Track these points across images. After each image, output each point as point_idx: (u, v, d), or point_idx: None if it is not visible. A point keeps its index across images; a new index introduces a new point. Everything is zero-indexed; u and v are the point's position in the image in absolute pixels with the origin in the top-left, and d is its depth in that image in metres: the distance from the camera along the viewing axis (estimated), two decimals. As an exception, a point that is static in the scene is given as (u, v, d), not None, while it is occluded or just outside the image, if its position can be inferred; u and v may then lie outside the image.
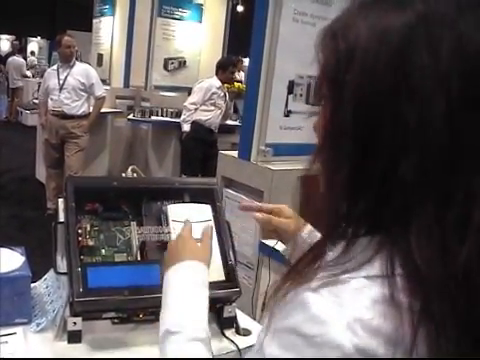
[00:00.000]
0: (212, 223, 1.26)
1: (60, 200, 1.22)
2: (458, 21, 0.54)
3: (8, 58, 12.25)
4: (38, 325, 1.20)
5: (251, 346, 1.16)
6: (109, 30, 6.65)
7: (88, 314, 1.16)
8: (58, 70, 4.83)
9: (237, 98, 5.81)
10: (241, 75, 8.35)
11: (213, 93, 5.02)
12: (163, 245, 1.24)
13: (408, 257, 0.54)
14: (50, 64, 9.93)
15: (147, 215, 1.29)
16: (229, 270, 1.24)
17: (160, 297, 1.16)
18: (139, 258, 1.23)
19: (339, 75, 0.58)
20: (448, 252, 0.53)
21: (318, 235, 1.10)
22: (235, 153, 2.52)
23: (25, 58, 13.76)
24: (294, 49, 2.38)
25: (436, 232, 0.53)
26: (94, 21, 7.01)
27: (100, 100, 4.97)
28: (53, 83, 4.80)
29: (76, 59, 5.04)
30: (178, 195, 1.32)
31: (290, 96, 2.46)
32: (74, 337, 1.14)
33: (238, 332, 1.26)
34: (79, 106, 4.82)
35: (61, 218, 1.20)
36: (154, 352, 1.17)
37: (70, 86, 4.77)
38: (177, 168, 5.50)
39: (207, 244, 1.08)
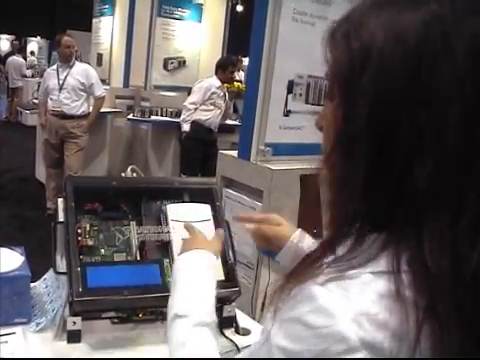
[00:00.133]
0: (212, 222, 1.26)
1: (60, 200, 1.22)
2: (472, 21, 0.55)
3: (8, 58, 12.25)
4: (38, 325, 1.20)
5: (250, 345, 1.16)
6: (109, 30, 6.65)
7: (87, 314, 1.16)
8: (58, 70, 4.83)
9: (237, 98, 5.80)
10: (241, 75, 8.34)
11: (213, 93, 5.02)
12: (162, 245, 1.24)
13: (418, 257, 0.54)
14: (50, 64, 9.92)
15: (146, 215, 1.29)
16: (229, 269, 1.24)
17: (159, 296, 1.16)
18: (138, 258, 1.23)
19: (353, 75, 0.57)
20: (459, 257, 0.53)
21: (310, 238, 1.12)
22: (235, 153, 2.52)
23: (25, 58, 13.75)
24: (294, 49, 2.38)
25: (448, 237, 0.54)
26: (94, 21, 7.01)
27: (100, 100, 4.97)
28: (53, 83, 4.80)
29: (76, 59, 5.04)
30: (177, 195, 1.32)
31: (290, 96, 2.46)
32: (74, 337, 1.14)
33: (237, 331, 1.26)
34: (79, 106, 4.82)
35: (60, 218, 1.20)
36: (154, 351, 1.17)
37: (70, 86, 4.77)
38: (177, 168, 5.50)
39: (218, 240, 1.12)
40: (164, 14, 6.46)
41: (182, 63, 6.69)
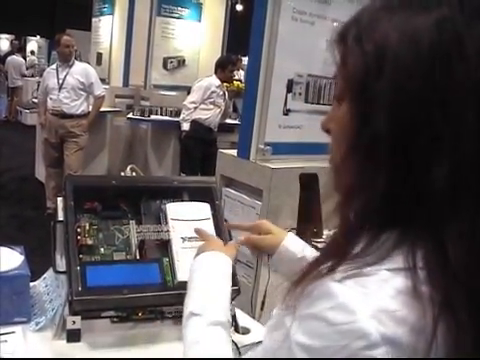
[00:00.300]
0: (211, 221, 1.26)
1: (59, 199, 1.22)
2: None
3: (7, 57, 12.24)
4: (37, 324, 1.20)
5: (250, 344, 1.16)
6: (108, 29, 6.65)
7: (87, 313, 1.16)
8: (57, 69, 4.83)
9: (236, 97, 5.81)
10: (240, 74, 8.34)
11: (212, 92, 5.02)
12: (162, 244, 1.24)
13: (437, 254, 0.55)
14: (49, 63, 9.92)
15: (146, 214, 1.29)
16: (228, 269, 1.24)
17: (159, 295, 1.16)
18: (138, 257, 1.23)
19: (368, 78, 0.58)
20: (478, 253, 0.55)
21: (299, 241, 1.14)
22: (234, 152, 2.52)
23: (24, 57, 13.75)
24: (293, 48, 2.38)
25: (469, 235, 0.55)
26: (93, 20, 7.01)
27: (99, 99, 4.97)
28: (52, 82, 4.80)
29: (75, 58, 5.03)
30: (177, 194, 1.32)
31: (289, 95, 2.46)
32: (73, 336, 1.14)
33: (237, 330, 1.26)
34: (78, 105, 4.82)
35: (60, 217, 1.20)
36: (153, 351, 1.17)
37: (69, 85, 4.77)
38: (176, 167, 5.50)
39: (233, 246, 1.14)
40: (164, 13, 6.46)
41: (182, 62, 6.69)
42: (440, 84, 0.55)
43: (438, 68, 0.55)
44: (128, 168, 1.41)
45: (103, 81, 5.58)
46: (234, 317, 1.27)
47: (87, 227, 1.21)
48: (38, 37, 17.49)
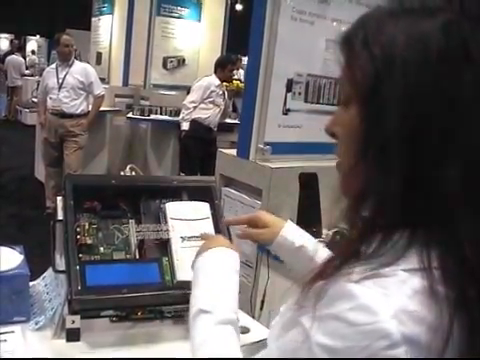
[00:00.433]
0: (210, 221, 1.26)
1: (59, 198, 1.22)
2: None
3: (7, 57, 12.24)
4: (37, 323, 1.20)
5: (250, 344, 1.16)
6: (108, 29, 6.65)
7: (86, 312, 1.16)
8: (57, 69, 4.83)
9: (236, 96, 5.81)
10: (240, 73, 8.34)
11: (212, 91, 5.02)
12: (161, 243, 1.24)
13: (453, 253, 0.57)
14: (49, 63, 9.92)
15: (145, 213, 1.29)
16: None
17: (158, 295, 1.16)
18: (137, 256, 1.23)
19: (378, 82, 0.59)
20: None
21: (298, 230, 1.14)
22: (234, 151, 2.52)
23: (24, 57, 13.74)
24: (293, 47, 2.38)
25: None
26: (93, 20, 7.01)
27: (99, 99, 4.97)
28: (52, 82, 4.80)
29: (75, 58, 5.04)
30: (176, 193, 1.32)
31: (289, 94, 2.46)
32: (72, 335, 1.13)
33: (237, 330, 1.26)
34: (78, 105, 4.82)
35: (60, 216, 1.20)
36: (153, 350, 1.17)
37: (69, 85, 4.77)
38: (176, 166, 5.50)
39: (236, 246, 1.12)
40: (163, 13, 6.47)
41: (181, 62, 6.69)
42: (448, 86, 0.56)
43: (446, 70, 0.56)
44: (128, 167, 1.41)
45: (103, 81, 5.59)
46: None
47: (87, 226, 1.21)
48: (38, 36, 17.50)
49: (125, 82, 6.43)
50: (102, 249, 1.21)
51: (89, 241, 1.20)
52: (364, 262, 0.59)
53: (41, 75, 5.73)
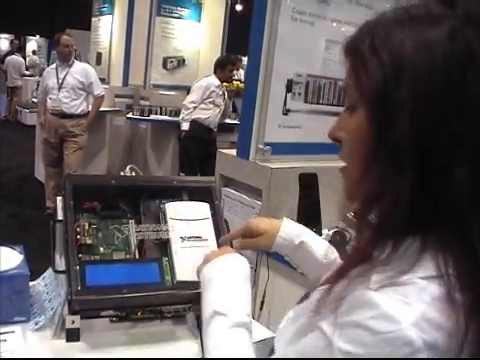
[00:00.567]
0: (210, 221, 1.26)
1: (59, 198, 1.22)
2: None
3: (7, 57, 12.24)
4: (37, 323, 1.20)
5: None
6: (108, 29, 6.65)
7: (86, 312, 1.16)
8: (57, 69, 4.83)
9: (236, 97, 5.80)
10: (240, 74, 8.34)
11: (212, 91, 5.02)
12: (161, 243, 1.24)
13: (467, 257, 0.57)
14: (49, 63, 9.92)
15: (145, 213, 1.29)
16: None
17: (158, 295, 1.16)
18: (137, 256, 1.23)
19: (387, 88, 0.60)
20: None
21: (295, 228, 1.13)
22: (234, 152, 2.52)
23: (24, 57, 13.75)
24: (293, 48, 2.38)
25: None
26: (93, 20, 7.01)
27: (99, 99, 4.97)
28: (52, 82, 4.80)
29: (75, 58, 5.04)
30: (176, 193, 1.32)
31: (289, 95, 2.46)
32: (72, 335, 1.13)
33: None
34: (78, 105, 4.82)
35: (59, 216, 1.20)
36: (153, 350, 1.17)
37: (69, 85, 4.77)
38: (176, 167, 5.50)
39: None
40: (163, 13, 6.47)
41: (181, 62, 6.69)
42: (456, 91, 0.58)
43: (453, 76, 0.58)
44: (127, 168, 1.41)
45: (103, 81, 5.59)
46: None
47: (86, 226, 1.21)
48: (38, 37, 17.49)
49: (125, 82, 6.43)
50: (102, 249, 1.21)
51: (89, 241, 1.20)
52: (380, 269, 0.60)
53: (41, 75, 5.73)
